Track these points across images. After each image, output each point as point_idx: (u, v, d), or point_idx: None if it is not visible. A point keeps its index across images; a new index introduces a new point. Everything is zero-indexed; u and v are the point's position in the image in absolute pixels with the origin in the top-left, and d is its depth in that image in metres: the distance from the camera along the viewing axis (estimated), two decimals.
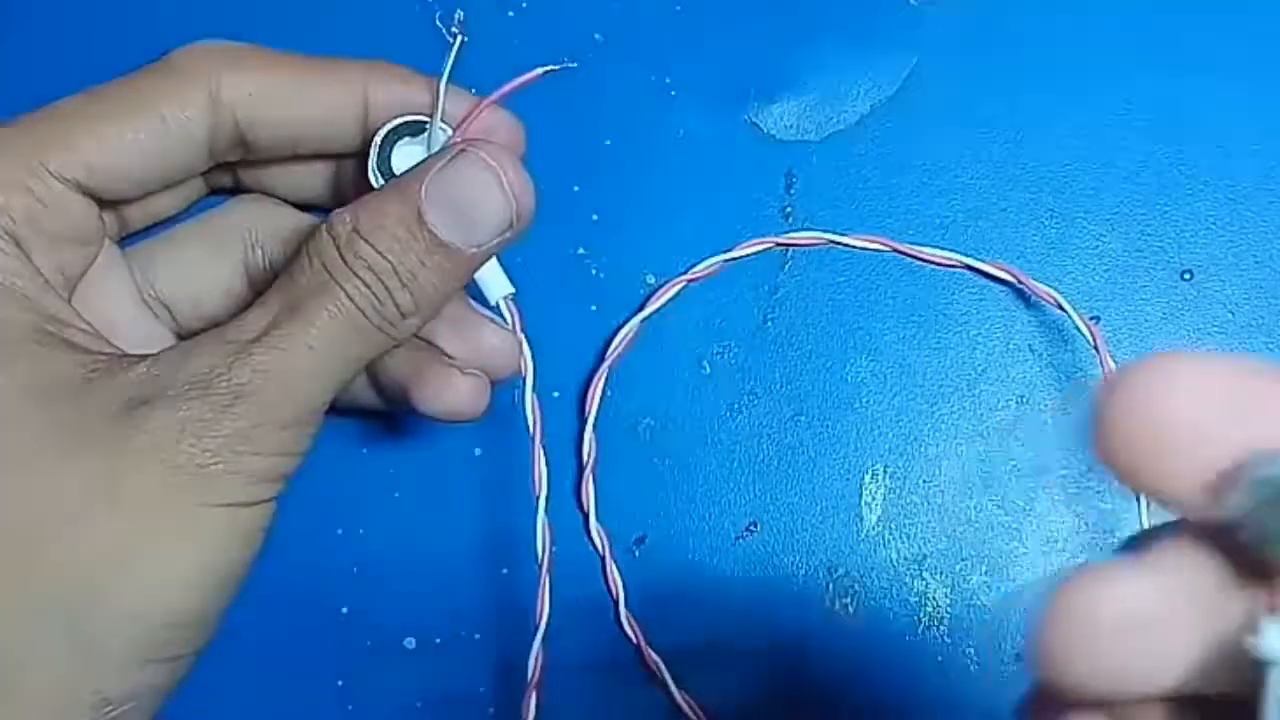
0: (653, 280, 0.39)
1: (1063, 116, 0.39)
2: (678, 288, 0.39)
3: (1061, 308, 0.37)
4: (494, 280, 0.38)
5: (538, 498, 0.33)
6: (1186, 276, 0.39)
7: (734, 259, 0.39)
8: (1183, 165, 0.39)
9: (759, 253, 0.39)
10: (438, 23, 0.38)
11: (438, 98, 0.35)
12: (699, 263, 0.39)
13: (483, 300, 0.35)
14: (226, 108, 0.32)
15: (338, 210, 0.31)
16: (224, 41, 0.33)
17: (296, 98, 0.32)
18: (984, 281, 0.39)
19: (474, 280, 0.37)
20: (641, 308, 0.39)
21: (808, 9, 0.40)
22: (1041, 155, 0.39)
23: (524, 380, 0.34)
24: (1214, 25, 0.39)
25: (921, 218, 0.39)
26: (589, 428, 0.38)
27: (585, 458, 0.38)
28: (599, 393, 0.38)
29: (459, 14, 0.37)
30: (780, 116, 0.40)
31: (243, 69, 0.32)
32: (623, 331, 0.38)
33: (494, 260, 0.38)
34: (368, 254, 0.30)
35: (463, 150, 0.31)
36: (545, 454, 0.39)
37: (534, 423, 0.33)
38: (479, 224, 0.31)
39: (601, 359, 0.39)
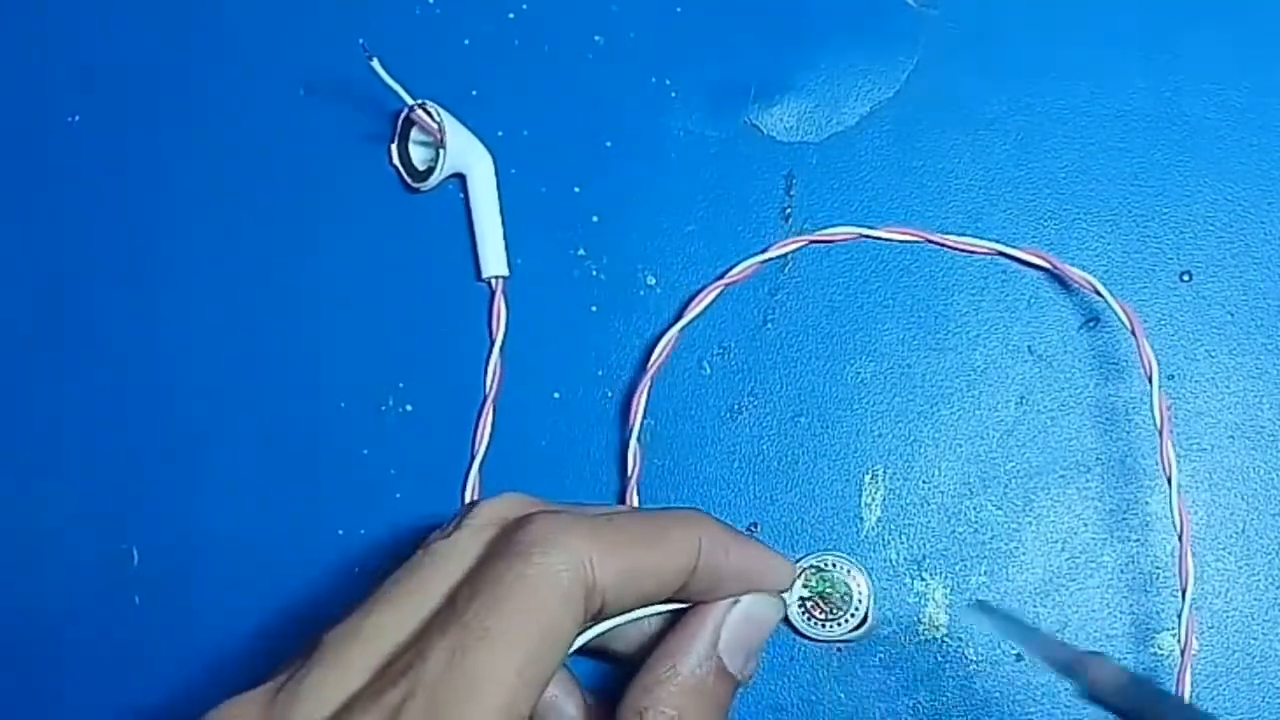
0: (653, 281, 0.40)
1: (1062, 118, 0.39)
2: (716, 293, 0.39)
3: (1098, 293, 0.37)
4: (494, 258, 0.39)
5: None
6: (1186, 278, 0.39)
7: (769, 259, 0.39)
8: (1182, 165, 0.39)
9: (794, 250, 0.39)
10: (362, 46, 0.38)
11: (437, 120, 0.38)
12: (735, 265, 0.39)
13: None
14: (598, 595, 0.30)
15: (655, 702, 0.31)
16: (570, 516, 0.31)
17: (652, 573, 0.31)
18: (1016, 268, 0.39)
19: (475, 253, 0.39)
20: (680, 316, 0.39)
21: (808, 10, 0.40)
22: (1040, 156, 0.39)
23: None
24: (1214, 25, 0.39)
25: (921, 218, 0.39)
26: (634, 439, 0.38)
27: (630, 469, 0.38)
28: (643, 403, 0.38)
29: (360, 40, 0.37)
30: (780, 118, 0.40)
31: (609, 558, 0.30)
32: (664, 340, 0.38)
33: (499, 239, 0.39)
34: None
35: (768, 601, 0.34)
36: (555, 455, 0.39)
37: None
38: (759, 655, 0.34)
39: (644, 369, 0.38)
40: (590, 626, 0.31)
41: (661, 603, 0.32)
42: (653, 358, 0.38)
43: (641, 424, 0.38)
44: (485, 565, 0.29)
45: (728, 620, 0.33)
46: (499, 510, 0.31)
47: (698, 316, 0.39)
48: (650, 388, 0.38)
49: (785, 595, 0.35)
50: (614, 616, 0.31)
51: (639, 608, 0.32)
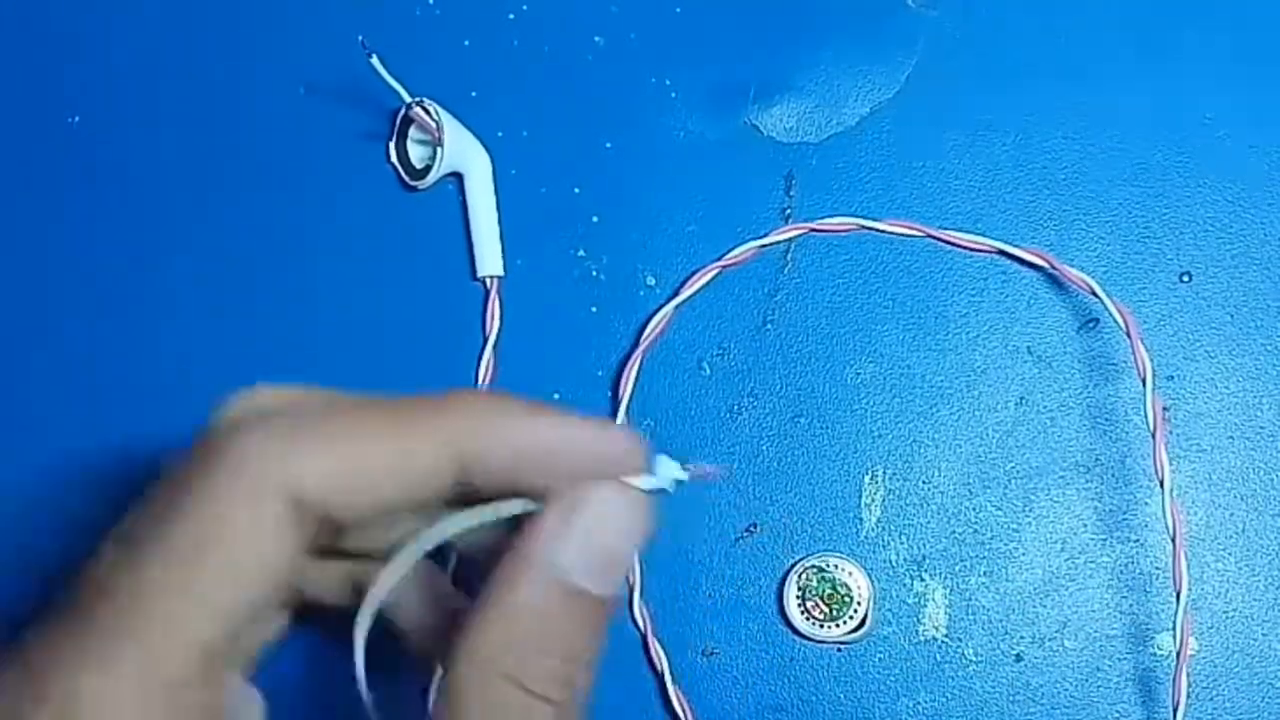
0: (653, 281, 0.40)
1: (1061, 118, 0.39)
2: (713, 273, 0.39)
3: (1095, 294, 0.37)
4: (489, 258, 0.39)
5: None
6: (1185, 278, 0.39)
7: (768, 244, 0.39)
8: (1182, 166, 0.39)
9: (794, 237, 0.39)
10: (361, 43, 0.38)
11: (435, 118, 0.38)
12: (735, 247, 0.39)
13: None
14: (317, 503, 0.25)
15: (488, 654, 0.25)
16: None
17: (391, 470, 0.26)
18: (1016, 268, 0.39)
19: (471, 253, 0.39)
20: (677, 293, 0.39)
21: (808, 10, 0.40)
22: (1040, 157, 0.39)
23: None
24: (1213, 25, 0.39)
25: (921, 218, 0.39)
26: (622, 410, 0.38)
27: None
28: (633, 376, 0.38)
29: (360, 37, 0.37)
30: (780, 118, 0.40)
31: (317, 457, 0.26)
32: (658, 316, 0.39)
33: (495, 239, 0.39)
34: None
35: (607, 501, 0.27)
36: None
37: None
38: (621, 569, 0.27)
39: (636, 344, 0.39)
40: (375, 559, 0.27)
41: (495, 508, 0.27)
42: (645, 333, 0.39)
43: (631, 397, 0.38)
44: (175, 479, 0.25)
45: (567, 529, 0.26)
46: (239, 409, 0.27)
47: (692, 296, 0.39)
48: (640, 363, 0.38)
49: (657, 482, 0.28)
50: (355, 527, 0.26)
51: (392, 514, 0.26)
